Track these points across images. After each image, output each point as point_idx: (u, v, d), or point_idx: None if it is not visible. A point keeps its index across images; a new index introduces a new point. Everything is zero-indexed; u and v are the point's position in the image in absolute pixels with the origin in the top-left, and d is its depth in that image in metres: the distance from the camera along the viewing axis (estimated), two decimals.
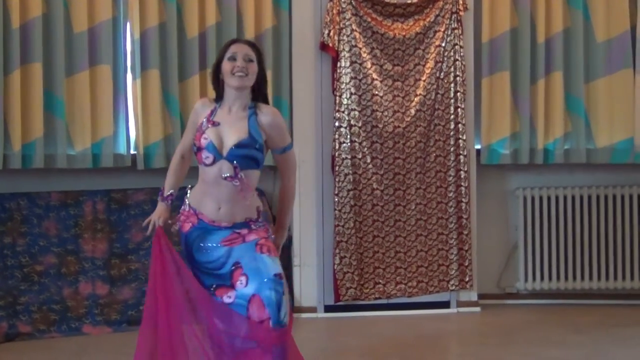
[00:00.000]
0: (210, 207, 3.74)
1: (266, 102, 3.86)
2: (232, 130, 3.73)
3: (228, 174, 3.70)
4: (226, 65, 3.73)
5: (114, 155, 5.67)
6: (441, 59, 5.92)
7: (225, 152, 3.69)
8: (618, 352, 4.87)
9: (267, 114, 3.79)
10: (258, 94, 3.83)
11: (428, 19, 5.92)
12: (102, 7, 5.59)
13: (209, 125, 3.73)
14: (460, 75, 5.93)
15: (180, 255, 3.80)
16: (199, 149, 3.71)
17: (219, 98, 3.81)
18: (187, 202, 3.84)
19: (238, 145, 3.70)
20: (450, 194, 5.97)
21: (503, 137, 6.08)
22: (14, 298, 5.39)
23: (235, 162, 3.70)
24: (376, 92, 5.85)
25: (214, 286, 3.74)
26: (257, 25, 5.83)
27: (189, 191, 3.89)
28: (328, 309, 5.92)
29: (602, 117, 6.15)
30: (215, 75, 3.82)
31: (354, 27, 5.81)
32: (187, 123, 3.91)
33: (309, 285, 5.93)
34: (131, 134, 5.74)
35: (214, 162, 3.69)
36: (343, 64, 5.82)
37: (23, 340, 5.28)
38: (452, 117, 5.94)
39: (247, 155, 3.72)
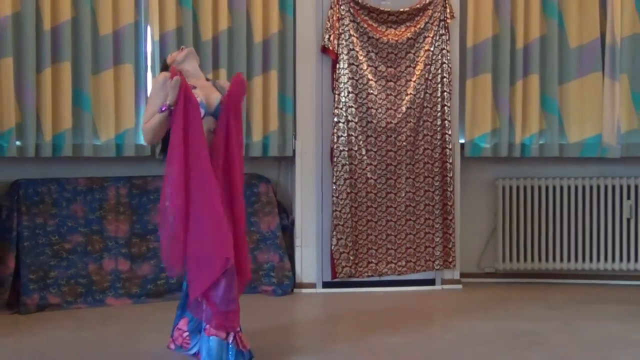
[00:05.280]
0: None
1: None
2: (208, 90, 4.00)
3: (213, 127, 3.94)
4: (174, 53, 4.16)
5: (135, 145, 5.66)
6: (430, 62, 5.94)
7: (212, 109, 3.93)
8: (585, 326, 4.89)
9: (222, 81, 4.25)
10: None
11: (418, 26, 5.93)
12: (125, 12, 5.60)
13: (192, 88, 3.93)
14: (447, 76, 5.94)
15: None
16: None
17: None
18: None
19: (221, 103, 3.95)
20: (437, 183, 5.99)
21: (485, 132, 6.11)
22: (45, 273, 5.41)
23: (217, 117, 3.95)
24: (371, 91, 5.88)
25: None
26: (265, 29, 5.85)
27: None
28: (326, 285, 5.95)
29: (573, 116, 6.17)
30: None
31: (351, 32, 5.83)
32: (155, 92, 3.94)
33: (309, 263, 5.95)
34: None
35: (202, 117, 3.87)
36: (342, 66, 5.83)
37: (52, 310, 5.30)
38: (439, 114, 5.96)
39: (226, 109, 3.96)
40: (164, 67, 4.13)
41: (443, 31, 5.95)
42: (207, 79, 4.19)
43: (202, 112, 3.90)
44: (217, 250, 3.77)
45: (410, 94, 5.93)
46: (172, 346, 4.24)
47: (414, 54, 5.94)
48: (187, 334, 4.15)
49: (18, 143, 5.38)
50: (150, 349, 4.35)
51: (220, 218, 3.79)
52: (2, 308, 5.28)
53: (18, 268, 5.36)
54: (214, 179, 3.82)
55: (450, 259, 6.04)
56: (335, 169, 5.86)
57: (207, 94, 3.99)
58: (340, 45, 5.82)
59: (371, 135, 5.90)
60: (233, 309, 3.84)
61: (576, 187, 6.23)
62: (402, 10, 5.91)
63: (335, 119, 5.85)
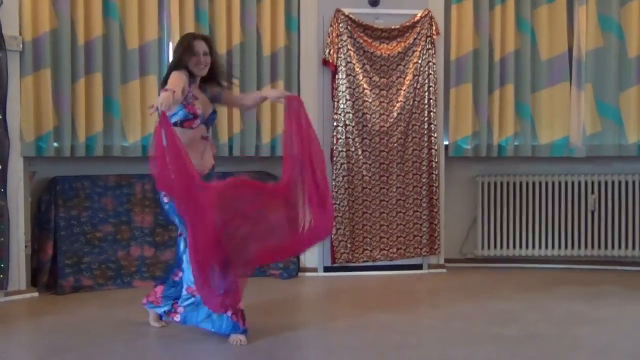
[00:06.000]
0: (195, 159, 3.94)
1: (222, 79, 4.22)
2: (204, 102, 4.14)
3: (204, 134, 4.13)
4: (193, 59, 4.02)
5: None
6: (418, 73, 5.96)
7: (205, 118, 4.12)
8: (553, 305, 4.92)
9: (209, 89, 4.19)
10: (211, 76, 4.15)
11: (408, 41, 5.96)
12: (149, 29, 5.59)
13: (194, 100, 4.06)
14: (433, 86, 5.97)
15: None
16: (196, 116, 4.00)
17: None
18: None
19: (213, 113, 4.19)
20: (424, 180, 6.02)
21: (466, 135, 6.12)
22: (79, 258, 5.44)
23: (209, 124, 4.20)
24: (366, 99, 5.92)
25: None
26: (273, 44, 5.86)
27: None
28: (326, 269, 5.97)
29: (544, 120, 6.19)
30: (179, 61, 4.02)
31: (349, 47, 5.86)
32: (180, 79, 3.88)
33: (311, 250, 5.95)
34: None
35: (197, 126, 4.03)
36: (340, 76, 5.86)
37: (86, 292, 5.35)
38: (426, 119, 5.99)
39: (214, 118, 4.23)
40: (186, 49, 4.06)
41: (429, 46, 5.97)
42: (201, 82, 4.18)
43: (198, 121, 4.03)
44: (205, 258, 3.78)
45: (401, 101, 5.96)
46: (145, 301, 4.37)
47: (404, 66, 5.97)
48: (160, 296, 4.28)
49: (55, 144, 5.38)
50: (169, 324, 4.38)
51: (206, 229, 3.75)
52: (41, 289, 5.33)
53: (55, 254, 5.40)
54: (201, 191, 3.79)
55: (436, 246, 6.06)
56: (334, 167, 5.88)
57: (204, 105, 4.12)
58: (339, 59, 5.85)
59: (366, 138, 5.93)
60: (230, 289, 3.85)
61: (546, 183, 6.25)
62: (393, 27, 5.94)
63: (335, 123, 5.88)
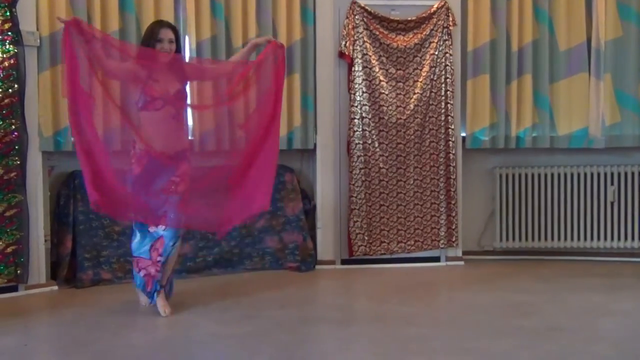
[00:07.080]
0: (159, 140, 4.22)
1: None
2: (167, 82, 4.25)
3: (173, 114, 4.26)
4: (157, 46, 4.22)
5: None
6: (434, 65, 5.94)
7: (169, 100, 4.24)
8: (572, 297, 4.89)
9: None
10: None
11: (424, 33, 5.93)
12: None
13: (154, 82, 4.22)
14: (450, 77, 5.94)
15: None
16: (154, 98, 4.17)
17: None
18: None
19: (178, 91, 4.28)
20: (441, 172, 6.00)
21: (484, 126, 6.09)
22: (98, 252, 5.46)
23: (177, 105, 4.27)
24: (383, 91, 5.90)
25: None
26: (289, 37, 5.83)
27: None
28: (344, 262, 5.97)
29: (563, 111, 6.13)
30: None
31: (365, 39, 5.85)
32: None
33: (329, 243, 5.97)
34: (189, 123, 5.74)
35: (161, 107, 4.19)
36: (356, 68, 5.84)
37: (105, 285, 5.36)
38: (443, 110, 5.96)
39: (182, 96, 4.30)
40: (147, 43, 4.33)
41: (446, 37, 5.94)
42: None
43: (161, 102, 4.19)
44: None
45: (417, 93, 5.93)
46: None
47: (420, 57, 5.94)
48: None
49: (73, 139, 5.41)
50: (188, 315, 4.41)
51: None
52: (61, 283, 5.36)
53: (74, 248, 5.42)
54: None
55: (454, 239, 6.04)
56: (351, 160, 5.87)
57: (165, 85, 4.24)
58: (355, 51, 5.83)
59: (383, 130, 5.91)
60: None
61: (565, 175, 6.21)
62: (409, 19, 5.91)
63: (351, 116, 5.86)
